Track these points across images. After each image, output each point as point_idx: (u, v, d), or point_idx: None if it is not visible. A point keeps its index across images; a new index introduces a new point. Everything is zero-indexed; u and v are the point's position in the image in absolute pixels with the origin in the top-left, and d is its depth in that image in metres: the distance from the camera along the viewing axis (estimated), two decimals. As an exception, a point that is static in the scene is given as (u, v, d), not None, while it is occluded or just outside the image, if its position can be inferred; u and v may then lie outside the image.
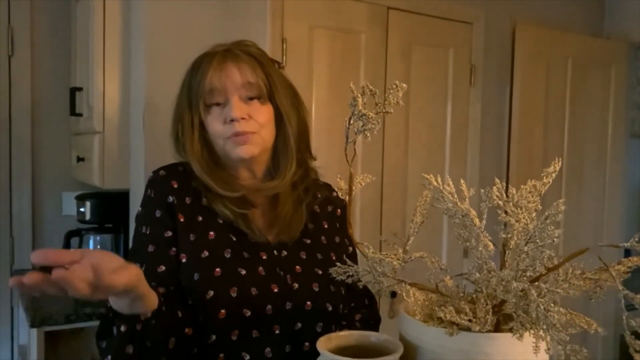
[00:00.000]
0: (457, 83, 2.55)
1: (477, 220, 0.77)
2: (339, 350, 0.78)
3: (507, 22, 2.68)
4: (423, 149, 2.49)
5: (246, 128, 1.03)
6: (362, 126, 0.70)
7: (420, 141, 2.48)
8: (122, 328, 0.85)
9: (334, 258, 1.12)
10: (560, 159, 0.76)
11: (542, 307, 0.61)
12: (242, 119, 1.02)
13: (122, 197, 1.94)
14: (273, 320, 1.01)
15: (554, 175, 0.78)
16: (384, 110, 0.68)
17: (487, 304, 0.69)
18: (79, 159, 2.15)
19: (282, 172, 1.09)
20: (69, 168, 2.39)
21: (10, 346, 2.38)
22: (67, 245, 2.09)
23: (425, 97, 2.47)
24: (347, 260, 0.86)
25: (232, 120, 1.02)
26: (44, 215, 2.42)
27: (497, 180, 0.76)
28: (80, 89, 2.10)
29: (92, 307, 1.78)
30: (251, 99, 1.04)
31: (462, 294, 0.73)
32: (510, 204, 0.73)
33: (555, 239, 0.64)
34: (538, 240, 0.64)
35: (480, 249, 0.71)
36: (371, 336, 0.83)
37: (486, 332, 0.72)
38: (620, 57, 3.04)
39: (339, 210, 1.20)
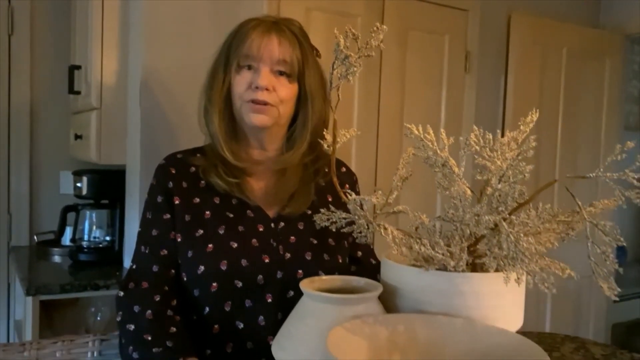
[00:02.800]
0: (452, 69, 2.58)
1: (456, 168, 0.80)
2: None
3: (502, 10, 2.71)
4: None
5: (267, 98, 1.08)
6: (346, 71, 0.73)
7: (415, 127, 2.50)
8: None
9: (333, 229, 1.14)
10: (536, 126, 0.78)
11: (512, 237, 0.64)
12: (266, 89, 1.07)
13: (118, 174, 1.96)
14: (265, 289, 1.06)
15: (531, 125, 0.81)
16: (365, 54, 0.71)
17: (462, 242, 0.72)
18: (77, 137, 2.18)
19: (292, 149, 1.14)
20: (67, 147, 2.41)
21: (6, 322, 2.40)
22: (63, 220, 2.11)
23: (420, 82, 2.49)
24: (335, 209, 0.89)
25: (256, 88, 1.07)
26: (42, 193, 2.44)
27: (475, 128, 0.78)
28: (79, 67, 2.13)
29: (88, 278, 1.81)
30: (281, 73, 1.10)
31: (439, 233, 0.76)
32: (487, 149, 0.75)
33: (526, 175, 0.66)
34: (510, 177, 0.67)
35: (456, 188, 0.73)
36: (353, 280, 0.86)
37: (461, 272, 0.75)
38: (615, 49, 3.06)
39: (347, 185, 1.24)
